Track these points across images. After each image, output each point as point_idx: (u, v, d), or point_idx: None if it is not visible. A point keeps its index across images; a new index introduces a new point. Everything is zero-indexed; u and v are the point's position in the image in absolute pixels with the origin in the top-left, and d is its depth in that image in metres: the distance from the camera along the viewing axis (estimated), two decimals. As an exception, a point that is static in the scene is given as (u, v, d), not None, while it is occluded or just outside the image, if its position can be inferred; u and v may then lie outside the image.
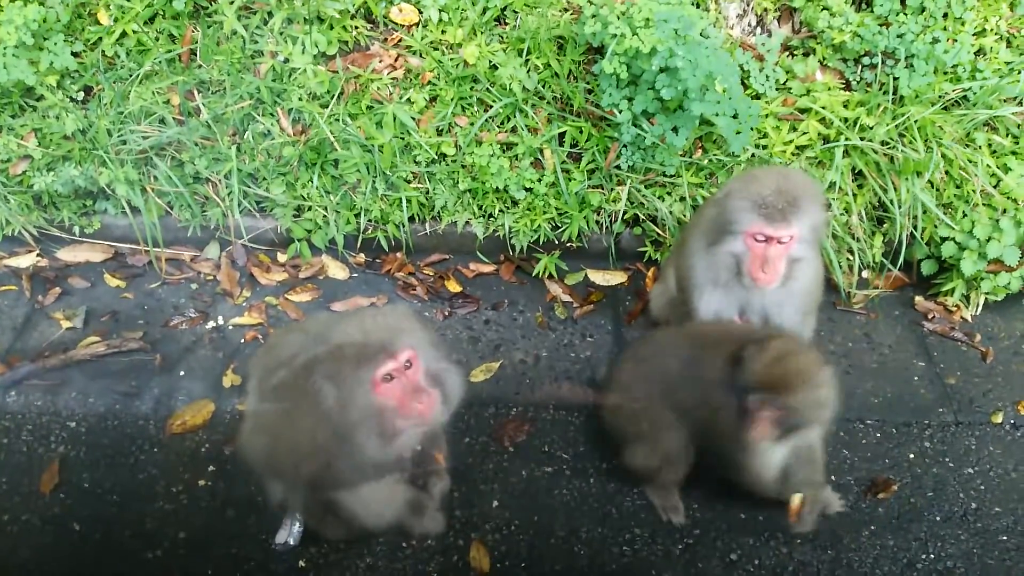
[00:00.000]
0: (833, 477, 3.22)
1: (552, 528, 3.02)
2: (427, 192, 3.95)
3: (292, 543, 2.89)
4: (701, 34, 3.71)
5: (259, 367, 2.59)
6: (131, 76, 3.89)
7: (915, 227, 3.82)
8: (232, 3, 3.87)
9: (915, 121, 3.81)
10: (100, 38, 3.91)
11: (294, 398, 2.35)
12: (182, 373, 3.51)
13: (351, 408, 2.31)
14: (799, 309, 3.06)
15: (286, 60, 3.86)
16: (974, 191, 3.80)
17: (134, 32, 3.91)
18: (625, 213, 3.94)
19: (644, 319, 3.78)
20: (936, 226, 3.82)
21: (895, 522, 3.09)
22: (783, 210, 2.73)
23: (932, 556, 3.00)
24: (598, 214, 3.97)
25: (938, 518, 3.11)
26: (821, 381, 2.56)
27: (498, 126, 3.93)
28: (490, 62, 3.89)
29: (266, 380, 2.49)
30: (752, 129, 3.85)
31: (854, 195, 3.85)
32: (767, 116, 3.91)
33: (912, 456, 3.33)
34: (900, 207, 3.78)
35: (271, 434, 2.51)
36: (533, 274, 4.00)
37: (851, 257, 3.91)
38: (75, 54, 3.89)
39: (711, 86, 3.48)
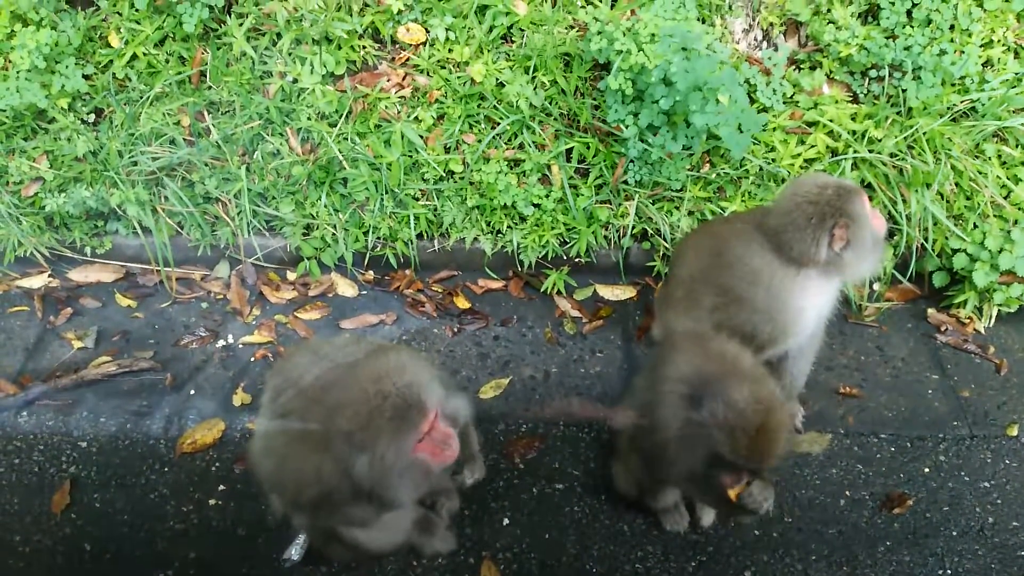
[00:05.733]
0: (848, 492, 3.19)
1: (563, 546, 3.00)
2: (435, 209, 3.96)
3: (296, 558, 2.88)
4: (707, 49, 3.72)
5: (270, 398, 2.58)
6: (142, 98, 3.93)
7: (925, 239, 3.80)
8: (241, 25, 3.92)
9: (923, 133, 3.80)
10: (111, 61, 3.96)
11: (316, 451, 2.33)
12: (192, 392, 3.52)
13: (389, 471, 2.30)
14: None
15: (295, 80, 3.90)
16: (984, 202, 3.78)
17: (144, 54, 3.95)
18: (633, 228, 3.94)
19: (652, 340, 3.76)
20: (947, 238, 3.80)
21: (911, 537, 3.06)
22: (850, 185, 2.88)
23: (949, 572, 2.96)
24: (606, 229, 3.97)
25: (954, 533, 3.08)
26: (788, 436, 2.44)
27: (505, 143, 3.94)
28: (497, 80, 3.91)
29: (277, 411, 2.47)
30: (757, 141, 3.87)
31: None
32: (775, 130, 3.91)
33: (927, 470, 3.29)
34: (910, 219, 3.76)
35: (287, 472, 2.49)
36: (542, 290, 3.99)
37: (862, 270, 3.89)
38: (86, 77, 3.94)
39: (711, 97, 3.48)
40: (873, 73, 3.95)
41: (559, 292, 3.99)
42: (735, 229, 3.05)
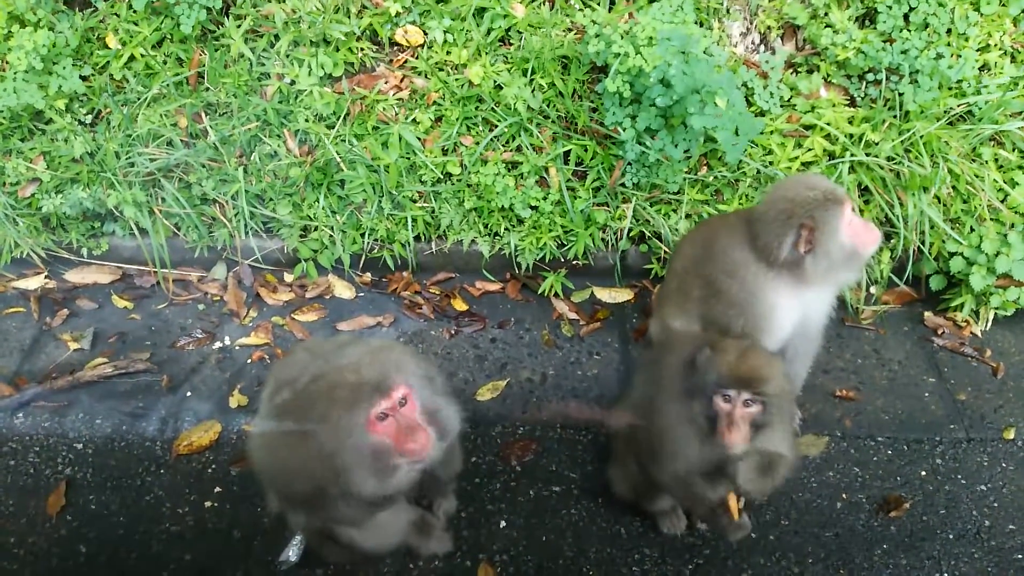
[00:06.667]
0: (844, 495, 3.19)
1: (560, 548, 3.00)
2: (433, 211, 3.96)
3: (293, 559, 2.87)
4: (705, 52, 3.73)
5: (267, 393, 2.59)
6: (139, 99, 3.93)
7: (922, 242, 3.80)
8: (239, 26, 3.91)
9: (920, 136, 3.80)
10: (108, 62, 3.96)
11: (293, 436, 2.33)
12: (189, 394, 3.51)
13: (346, 447, 2.26)
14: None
15: (292, 82, 3.90)
16: (981, 206, 3.79)
17: (142, 56, 3.95)
18: (631, 230, 3.94)
19: (649, 341, 3.77)
20: (944, 241, 3.80)
21: (908, 540, 3.06)
22: (836, 188, 2.86)
23: (945, 575, 2.96)
24: (604, 232, 3.97)
25: (951, 536, 3.08)
26: (781, 374, 2.52)
27: (503, 145, 3.94)
28: (495, 82, 3.91)
29: (270, 405, 2.49)
30: (754, 144, 3.87)
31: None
32: (772, 133, 3.91)
33: (924, 473, 3.29)
34: (907, 222, 3.77)
35: (274, 461, 2.49)
36: (539, 292, 3.99)
37: (859, 273, 3.89)
38: (84, 78, 3.93)
39: (709, 100, 3.49)
40: (870, 77, 3.96)
41: (556, 294, 3.99)
42: (727, 222, 3.10)
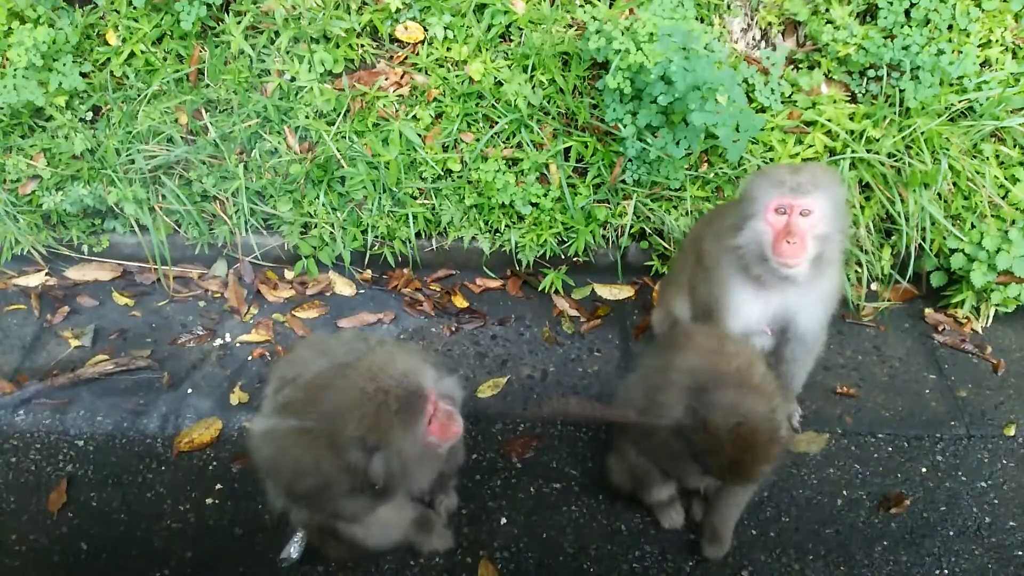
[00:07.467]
0: (845, 492, 3.20)
1: (561, 545, 3.00)
2: (433, 208, 3.95)
3: (294, 556, 2.88)
4: (705, 48, 3.72)
5: (272, 390, 2.60)
6: (139, 96, 3.92)
7: (923, 239, 3.80)
8: (239, 23, 3.91)
9: (921, 133, 3.80)
10: (109, 59, 3.95)
11: (320, 450, 2.35)
12: (189, 391, 3.52)
13: (408, 461, 2.35)
14: (826, 316, 3.04)
15: (293, 79, 3.89)
16: (982, 202, 3.79)
17: (142, 52, 3.95)
18: (631, 227, 3.94)
19: (651, 334, 3.77)
20: (945, 238, 3.80)
21: (908, 537, 3.06)
22: (801, 182, 2.68)
23: (946, 571, 2.96)
24: (604, 228, 3.97)
25: (951, 533, 3.08)
26: (776, 441, 2.41)
27: (504, 142, 3.94)
28: (495, 78, 3.91)
29: (276, 402, 2.49)
30: (755, 141, 3.87)
31: (861, 207, 3.84)
32: (773, 129, 3.91)
33: (924, 470, 3.29)
34: (908, 219, 3.77)
35: (284, 458, 2.49)
36: (540, 289, 3.99)
37: (859, 269, 3.89)
38: (84, 75, 3.93)
39: (710, 96, 3.48)
40: (871, 73, 3.95)
41: (557, 291, 3.99)
42: (727, 204, 3.22)
